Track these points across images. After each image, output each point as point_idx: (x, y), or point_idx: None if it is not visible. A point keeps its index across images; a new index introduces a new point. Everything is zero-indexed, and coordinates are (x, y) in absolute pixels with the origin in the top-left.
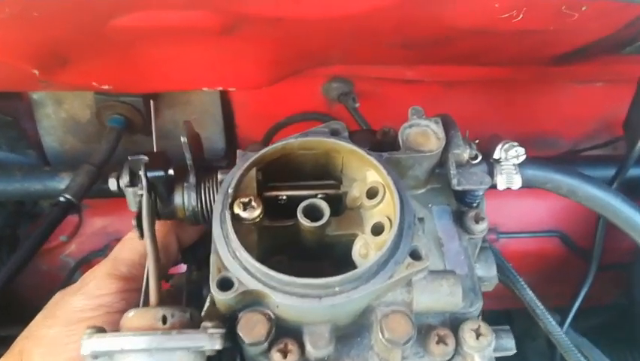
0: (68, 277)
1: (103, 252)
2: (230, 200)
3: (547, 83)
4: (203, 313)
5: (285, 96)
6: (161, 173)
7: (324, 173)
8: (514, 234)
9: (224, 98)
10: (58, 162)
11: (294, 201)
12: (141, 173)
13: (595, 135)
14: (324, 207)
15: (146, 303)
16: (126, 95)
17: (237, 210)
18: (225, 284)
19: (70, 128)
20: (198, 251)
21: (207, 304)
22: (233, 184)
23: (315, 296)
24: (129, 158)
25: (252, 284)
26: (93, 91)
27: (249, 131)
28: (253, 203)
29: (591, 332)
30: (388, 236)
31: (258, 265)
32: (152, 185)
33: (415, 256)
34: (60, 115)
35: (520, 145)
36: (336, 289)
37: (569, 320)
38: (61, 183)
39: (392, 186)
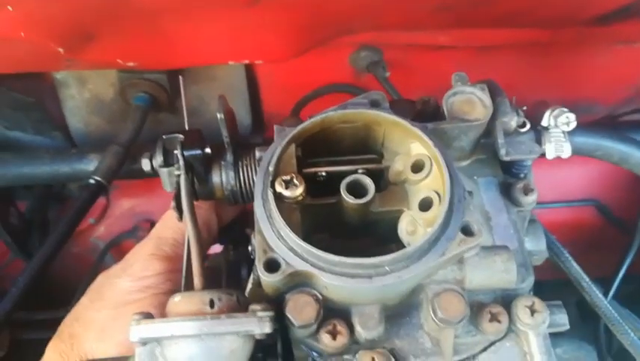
0: (99, 260)
1: (132, 234)
2: (271, 178)
3: (586, 45)
4: (247, 295)
5: (312, 68)
6: (198, 151)
7: (363, 147)
8: (549, 203)
9: (250, 73)
10: (85, 144)
11: (334, 177)
12: (177, 152)
13: (633, 99)
14: (369, 183)
15: (188, 286)
16: (150, 72)
17: (279, 188)
18: (272, 266)
19: (95, 108)
20: (234, 230)
21: (250, 285)
22: (273, 162)
23: (365, 276)
24: (164, 137)
25: (300, 265)
26: (118, 69)
27: (275, 106)
28: (295, 181)
29: (628, 300)
30: (438, 212)
31: (305, 245)
32: (189, 164)
33: (467, 231)
34: (84, 95)
35: (570, 111)
36: (387, 268)
37: (612, 291)
38: (90, 165)
39: (440, 158)
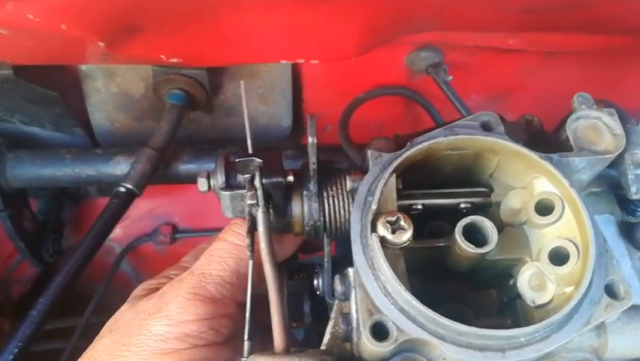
0: (115, 265)
1: (151, 237)
2: (372, 217)
3: None
4: (324, 346)
5: (363, 68)
6: (279, 179)
7: (467, 177)
8: None
9: (296, 71)
10: (108, 142)
11: (430, 212)
12: (256, 179)
13: None
14: (489, 227)
15: (255, 340)
16: (189, 68)
17: (383, 231)
18: (380, 332)
19: (122, 103)
20: (293, 262)
21: (329, 337)
22: (376, 198)
23: (496, 350)
24: (238, 160)
25: (415, 332)
26: (158, 65)
27: (318, 107)
28: (403, 223)
29: None
30: (582, 268)
31: (424, 309)
32: (267, 194)
33: (612, 293)
34: (111, 89)
35: None
36: (523, 340)
37: None
38: (116, 167)
39: (578, 200)
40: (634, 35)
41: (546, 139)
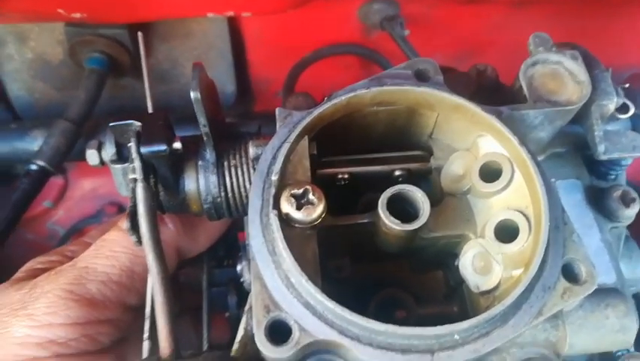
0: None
1: (96, 219)
2: (274, 192)
3: (631, 4)
4: (237, 346)
5: (311, 24)
6: (162, 147)
7: (401, 139)
8: None
9: (234, 29)
10: (30, 115)
11: (360, 181)
12: (132, 148)
13: None
14: (420, 198)
15: (153, 345)
16: (106, 27)
17: (287, 207)
18: (278, 332)
19: (40, 71)
20: (218, 248)
21: (242, 333)
22: (278, 167)
23: (424, 351)
24: (111, 125)
25: (322, 332)
26: (62, 21)
27: (266, 70)
28: (311, 196)
29: None
30: (533, 246)
31: (332, 304)
32: (149, 165)
33: (572, 276)
34: (25, 55)
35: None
36: (457, 338)
37: None
38: (34, 143)
39: (529, 162)
40: None
41: (504, 93)
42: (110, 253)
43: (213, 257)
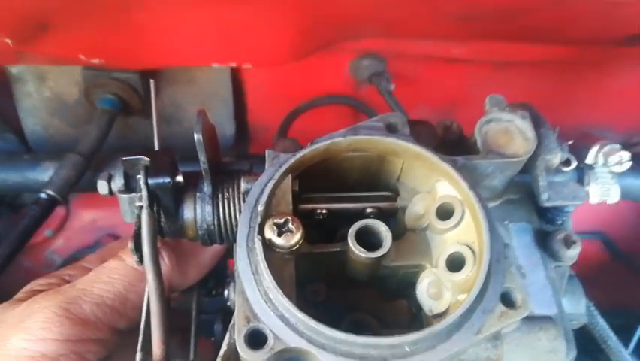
0: None
1: (93, 249)
2: (260, 220)
3: (608, 66)
4: (219, 358)
5: (306, 76)
6: (166, 180)
7: (374, 182)
8: None
9: (235, 77)
10: (42, 149)
11: (336, 217)
12: (141, 179)
13: None
14: (384, 231)
15: (148, 351)
16: (120, 72)
17: (270, 234)
18: (256, 340)
19: (56, 109)
20: (209, 280)
21: (225, 348)
22: (264, 199)
23: (378, 359)
24: (124, 159)
25: (293, 341)
26: (81, 65)
27: (263, 116)
28: (291, 225)
29: None
30: (474, 274)
31: (302, 316)
32: (154, 195)
33: (508, 302)
34: (43, 94)
35: (623, 148)
36: (407, 349)
37: (632, 345)
38: (44, 174)
39: (476, 204)
40: (578, 45)
41: (468, 146)
42: (108, 278)
43: (203, 287)
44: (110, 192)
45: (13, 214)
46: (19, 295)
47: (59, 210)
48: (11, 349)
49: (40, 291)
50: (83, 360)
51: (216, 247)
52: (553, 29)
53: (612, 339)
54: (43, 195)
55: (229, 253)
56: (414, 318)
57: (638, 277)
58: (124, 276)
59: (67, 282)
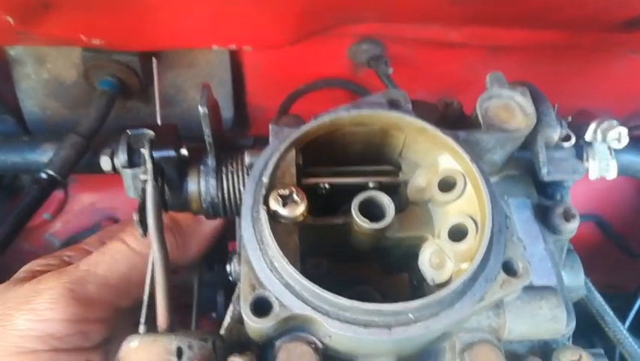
0: None
1: (92, 231)
2: (264, 192)
3: (604, 52)
4: (223, 331)
5: (305, 59)
6: (171, 153)
7: (376, 156)
8: None
9: (235, 60)
10: (40, 131)
11: (339, 191)
12: (145, 152)
13: None
14: (387, 202)
15: (151, 325)
16: (120, 53)
17: (274, 205)
18: (262, 307)
19: (54, 90)
20: (211, 258)
21: (228, 321)
22: (269, 171)
23: (383, 326)
24: (129, 132)
25: (299, 308)
26: (81, 46)
27: (261, 99)
28: (295, 196)
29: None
30: (476, 244)
31: (307, 283)
32: (159, 168)
33: (510, 270)
34: (42, 75)
35: (621, 124)
36: (411, 316)
37: (627, 322)
38: (44, 155)
39: (478, 176)
40: (573, 30)
41: (467, 123)
42: (111, 259)
43: (205, 263)
44: (114, 168)
45: (11, 198)
46: (20, 274)
47: (58, 194)
48: (17, 329)
49: (40, 271)
50: (88, 340)
51: (216, 223)
52: (547, 13)
53: (609, 314)
54: (43, 175)
55: (231, 235)
56: (415, 291)
57: (632, 260)
58: (127, 258)
59: (67, 263)
